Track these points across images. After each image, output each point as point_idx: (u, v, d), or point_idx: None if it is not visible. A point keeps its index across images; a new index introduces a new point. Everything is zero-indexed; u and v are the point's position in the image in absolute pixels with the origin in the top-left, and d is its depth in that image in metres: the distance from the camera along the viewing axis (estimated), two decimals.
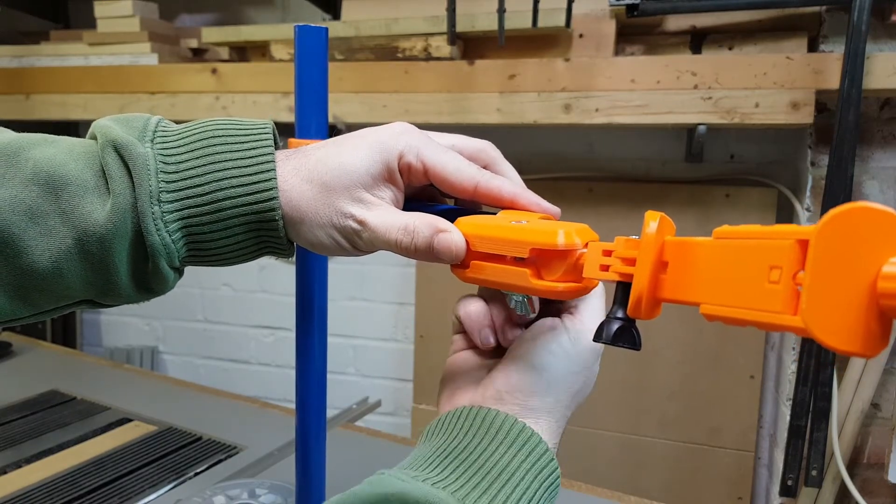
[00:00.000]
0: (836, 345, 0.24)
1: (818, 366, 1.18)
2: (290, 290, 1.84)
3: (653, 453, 1.50)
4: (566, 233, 0.34)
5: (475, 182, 0.38)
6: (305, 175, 0.37)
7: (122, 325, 2.02)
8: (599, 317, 0.40)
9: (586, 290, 0.36)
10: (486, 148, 0.42)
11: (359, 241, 0.38)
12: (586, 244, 0.35)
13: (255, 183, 0.36)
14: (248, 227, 0.36)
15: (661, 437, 1.49)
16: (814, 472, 1.22)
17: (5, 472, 0.82)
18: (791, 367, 1.29)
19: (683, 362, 1.46)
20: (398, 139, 0.37)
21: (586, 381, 0.41)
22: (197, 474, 0.83)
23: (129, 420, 0.98)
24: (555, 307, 0.40)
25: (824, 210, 1.12)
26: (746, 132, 1.43)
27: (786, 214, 1.39)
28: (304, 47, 0.56)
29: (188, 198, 0.35)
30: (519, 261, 0.35)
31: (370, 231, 0.37)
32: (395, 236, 0.37)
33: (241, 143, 0.37)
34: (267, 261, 1.83)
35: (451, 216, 0.38)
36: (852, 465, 1.28)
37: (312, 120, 0.58)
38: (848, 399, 1.25)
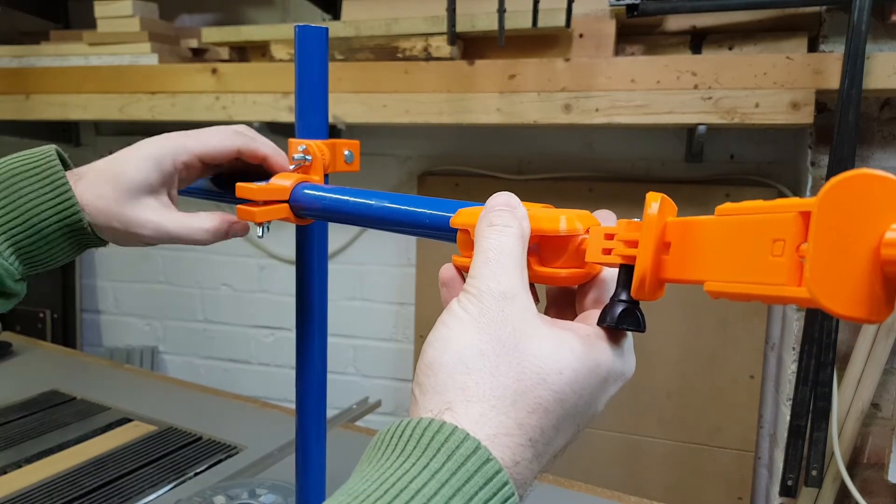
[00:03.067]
0: (843, 311, 0.24)
1: (818, 366, 1.18)
2: (290, 290, 1.84)
3: (653, 453, 1.50)
4: (568, 218, 0.34)
5: (237, 146, 0.51)
6: (97, 192, 0.47)
7: (123, 325, 2.03)
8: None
9: (589, 276, 0.36)
10: (242, 129, 0.54)
11: (154, 240, 0.49)
12: (588, 230, 0.34)
13: (60, 204, 0.46)
14: (66, 238, 0.48)
15: (661, 437, 1.49)
16: (814, 472, 1.21)
17: (5, 472, 0.82)
18: (791, 367, 1.29)
19: (683, 362, 1.46)
20: (166, 148, 0.49)
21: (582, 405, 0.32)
22: (197, 474, 0.83)
23: (130, 420, 0.98)
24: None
25: None
26: (746, 132, 1.43)
27: None
28: (305, 47, 0.56)
29: (10, 228, 0.46)
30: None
31: (161, 233, 0.49)
32: (178, 233, 0.50)
33: (36, 175, 0.47)
34: (267, 261, 1.83)
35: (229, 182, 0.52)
36: (852, 465, 1.28)
37: (313, 120, 0.58)
38: (848, 399, 1.25)
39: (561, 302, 0.38)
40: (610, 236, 0.33)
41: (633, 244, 0.31)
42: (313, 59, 0.57)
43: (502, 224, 0.34)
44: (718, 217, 0.29)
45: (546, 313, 0.36)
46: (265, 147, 0.54)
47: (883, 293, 0.24)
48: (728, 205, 0.28)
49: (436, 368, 0.31)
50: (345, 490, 0.28)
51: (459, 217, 0.38)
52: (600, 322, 0.33)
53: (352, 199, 0.50)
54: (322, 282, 0.62)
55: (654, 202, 0.31)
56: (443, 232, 0.40)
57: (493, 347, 0.30)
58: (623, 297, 0.32)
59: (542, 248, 0.35)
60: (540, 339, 0.31)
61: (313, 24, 0.56)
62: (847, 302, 0.24)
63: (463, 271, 0.37)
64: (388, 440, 0.29)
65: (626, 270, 0.32)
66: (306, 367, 0.62)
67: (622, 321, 0.32)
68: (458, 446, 0.27)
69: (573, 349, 0.31)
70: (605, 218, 0.36)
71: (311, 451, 0.63)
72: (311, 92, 0.58)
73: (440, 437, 0.28)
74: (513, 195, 0.36)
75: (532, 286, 0.36)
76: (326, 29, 0.57)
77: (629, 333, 0.34)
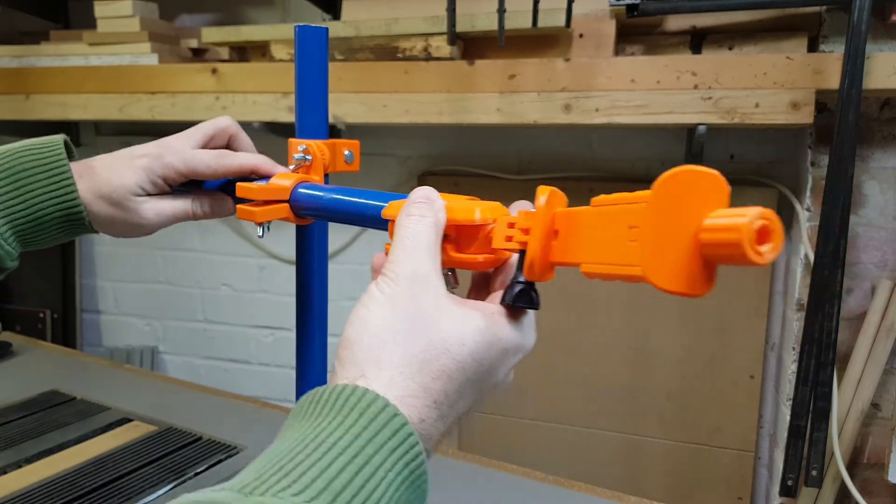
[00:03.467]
0: (667, 286, 0.28)
1: (818, 366, 1.18)
2: (290, 290, 1.84)
3: (653, 453, 1.50)
4: (482, 210, 0.39)
5: (223, 168, 0.54)
6: (96, 192, 0.53)
7: (123, 325, 2.02)
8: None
9: (500, 261, 0.40)
10: (226, 125, 0.57)
11: (157, 227, 0.55)
12: (495, 220, 0.38)
13: (64, 201, 0.52)
14: (63, 226, 0.53)
15: (661, 437, 1.49)
16: (814, 472, 1.21)
17: (5, 473, 0.82)
18: (791, 367, 1.29)
19: (683, 362, 1.46)
20: (158, 160, 0.53)
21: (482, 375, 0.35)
22: (197, 474, 0.83)
23: (129, 420, 0.98)
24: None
25: (824, 211, 1.13)
26: (746, 132, 1.43)
27: (786, 214, 1.39)
28: (305, 47, 0.57)
29: (14, 216, 0.51)
30: (443, 237, 0.39)
31: (162, 218, 0.55)
32: (176, 214, 0.56)
33: (44, 170, 0.52)
34: (267, 261, 1.83)
35: (228, 186, 0.56)
36: (852, 466, 1.28)
37: (313, 120, 0.58)
38: (848, 399, 1.25)
39: (480, 284, 0.43)
40: (511, 225, 0.37)
41: (528, 232, 0.36)
42: (314, 58, 0.57)
43: (419, 214, 0.38)
44: (592, 207, 0.33)
45: (468, 295, 0.42)
46: (249, 161, 0.55)
47: (702, 272, 0.28)
48: (602, 196, 0.32)
49: (353, 343, 0.35)
50: (267, 454, 0.30)
51: (389, 209, 0.42)
52: (502, 301, 0.37)
53: (325, 195, 0.50)
54: (322, 282, 0.62)
55: (543, 195, 0.35)
56: (379, 222, 0.45)
57: (403, 323, 0.34)
58: (520, 278, 0.36)
59: (458, 236, 0.39)
60: (447, 315, 0.34)
61: (313, 24, 0.56)
62: (671, 278, 0.28)
63: None
64: (306, 407, 0.32)
65: (523, 255, 0.36)
66: (306, 367, 0.62)
67: (518, 300, 0.36)
68: (370, 405, 0.31)
69: (476, 324, 0.35)
70: (523, 208, 0.39)
71: None
72: (312, 92, 0.58)
73: (353, 399, 0.31)
74: (433, 189, 0.40)
75: (453, 271, 0.41)
76: (326, 29, 0.57)
77: (529, 311, 0.38)
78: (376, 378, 0.33)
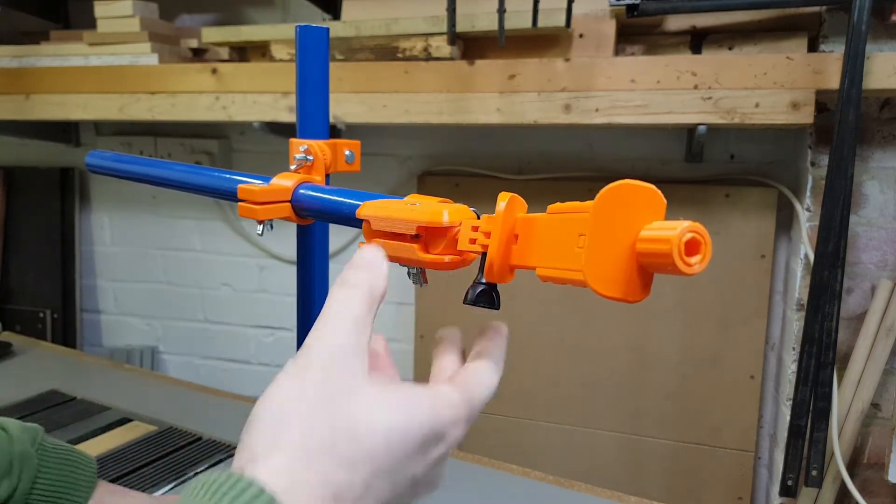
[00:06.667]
0: (604, 292, 0.30)
1: (818, 366, 1.18)
2: (290, 290, 1.84)
3: (653, 453, 1.50)
4: (449, 212, 0.40)
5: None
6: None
7: (123, 325, 2.03)
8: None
9: (466, 263, 0.41)
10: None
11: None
12: (461, 222, 0.40)
13: None
14: None
15: (660, 437, 1.49)
16: (814, 473, 1.21)
17: None
18: (791, 368, 1.29)
19: (683, 362, 1.46)
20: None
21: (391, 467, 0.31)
22: (197, 474, 0.83)
23: (130, 420, 0.98)
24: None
25: (824, 210, 1.13)
26: (746, 132, 1.43)
27: (786, 215, 1.40)
28: (306, 47, 0.57)
29: None
30: (414, 238, 0.40)
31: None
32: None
33: None
34: (267, 261, 1.83)
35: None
36: (852, 466, 1.28)
37: (314, 120, 0.58)
38: (848, 399, 1.25)
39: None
40: (475, 228, 0.38)
41: (489, 235, 0.37)
42: (314, 58, 0.57)
43: (353, 284, 0.35)
44: (548, 214, 0.35)
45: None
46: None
47: (639, 279, 0.30)
48: (557, 204, 0.34)
49: (254, 421, 0.30)
50: None
51: (364, 209, 0.44)
52: (464, 301, 0.38)
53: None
54: (323, 281, 0.62)
55: (503, 201, 0.36)
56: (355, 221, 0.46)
57: (310, 402, 0.30)
58: (481, 280, 0.38)
59: (427, 237, 0.40)
60: (361, 396, 0.31)
61: (314, 24, 0.56)
62: (609, 284, 0.30)
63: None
64: (194, 493, 0.28)
65: (484, 257, 0.37)
66: None
67: (479, 299, 0.38)
68: (253, 499, 0.27)
69: (392, 409, 0.31)
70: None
71: None
72: (313, 92, 0.58)
73: (232, 493, 0.27)
74: (378, 252, 0.37)
75: (423, 271, 0.42)
76: (327, 29, 0.57)
77: (460, 403, 0.34)
78: (266, 464, 0.28)
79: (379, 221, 0.42)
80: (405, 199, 0.43)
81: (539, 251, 0.35)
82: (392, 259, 0.41)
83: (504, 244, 0.36)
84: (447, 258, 0.40)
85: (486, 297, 0.38)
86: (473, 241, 0.38)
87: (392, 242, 0.41)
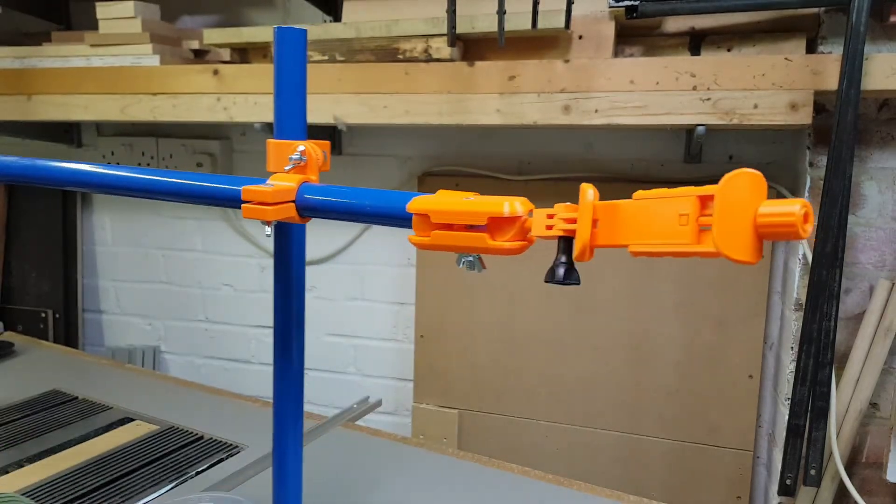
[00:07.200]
0: (736, 256, 0.36)
1: (817, 365, 1.18)
2: None
3: (652, 453, 1.51)
4: (511, 203, 0.45)
5: None
6: None
7: (124, 324, 2.03)
8: None
9: (527, 247, 0.45)
10: None
11: None
12: (529, 211, 0.45)
13: None
14: None
15: (660, 437, 1.50)
16: (812, 472, 1.22)
17: (7, 472, 0.82)
18: (790, 367, 1.30)
19: (682, 362, 1.47)
20: None
21: None
22: (198, 473, 0.83)
23: (131, 419, 0.98)
24: None
25: (823, 211, 1.13)
26: (745, 133, 1.43)
27: None
28: (284, 49, 0.57)
29: None
30: (472, 228, 0.45)
31: None
32: None
33: None
34: (268, 261, 1.84)
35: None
36: (851, 465, 1.29)
37: (293, 121, 0.59)
38: (846, 398, 1.25)
39: None
40: (551, 216, 0.43)
41: (571, 221, 0.42)
42: (292, 60, 0.57)
43: None
44: (637, 200, 0.40)
45: None
46: None
47: (757, 245, 0.37)
48: (641, 192, 0.40)
49: None
50: None
51: (417, 204, 0.47)
52: (547, 279, 0.42)
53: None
54: (300, 279, 0.63)
55: (590, 190, 0.42)
56: (400, 219, 0.49)
57: None
58: (563, 260, 0.42)
59: (491, 227, 0.45)
60: None
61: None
62: (739, 250, 0.36)
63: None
64: None
65: (565, 241, 0.42)
66: (284, 365, 0.63)
67: (567, 278, 0.42)
68: None
69: None
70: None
71: (287, 451, 0.64)
72: (291, 93, 0.58)
73: None
74: None
75: (480, 257, 0.46)
76: (305, 31, 0.57)
77: None
78: None
79: (444, 215, 0.46)
80: (437, 193, 0.48)
81: (631, 231, 0.40)
82: (451, 248, 0.46)
83: (592, 228, 0.41)
84: (516, 244, 0.44)
85: (574, 275, 0.42)
86: (550, 228, 0.43)
87: (455, 233, 0.45)
